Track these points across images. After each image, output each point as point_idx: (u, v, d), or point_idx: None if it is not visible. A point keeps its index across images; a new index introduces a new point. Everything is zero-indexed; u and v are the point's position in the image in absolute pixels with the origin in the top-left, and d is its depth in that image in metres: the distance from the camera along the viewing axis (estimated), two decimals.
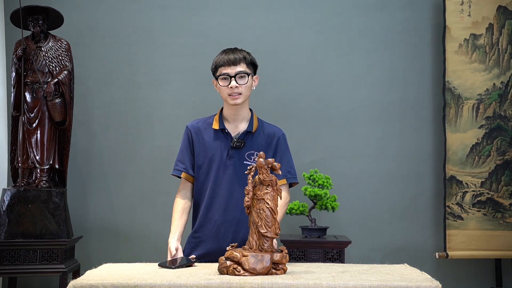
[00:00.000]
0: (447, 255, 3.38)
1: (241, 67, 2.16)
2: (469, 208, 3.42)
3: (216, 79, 2.19)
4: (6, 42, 3.54)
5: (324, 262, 2.91)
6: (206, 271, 1.76)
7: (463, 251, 3.39)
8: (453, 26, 3.50)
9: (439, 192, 3.56)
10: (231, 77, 2.15)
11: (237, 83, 2.15)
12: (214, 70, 2.21)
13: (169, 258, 2.07)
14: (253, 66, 2.23)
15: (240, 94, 2.16)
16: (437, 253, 3.41)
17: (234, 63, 2.15)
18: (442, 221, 3.47)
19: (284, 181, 2.21)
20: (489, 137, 3.46)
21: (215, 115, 2.29)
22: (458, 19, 3.51)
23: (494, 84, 3.48)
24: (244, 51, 2.22)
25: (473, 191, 3.43)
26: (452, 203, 3.43)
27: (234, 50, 2.20)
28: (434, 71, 3.65)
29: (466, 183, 3.44)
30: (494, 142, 3.45)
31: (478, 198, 3.43)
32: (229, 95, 2.16)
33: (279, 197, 1.77)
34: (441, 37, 3.58)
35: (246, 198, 1.75)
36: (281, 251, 1.76)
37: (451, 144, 3.46)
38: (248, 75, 2.18)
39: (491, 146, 3.45)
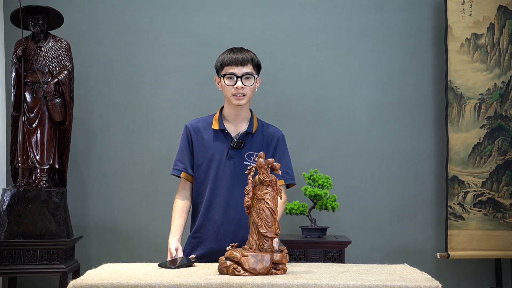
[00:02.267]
0: (448, 255, 3.37)
1: (248, 68, 2.14)
2: (470, 208, 3.41)
3: (221, 77, 2.17)
4: (6, 42, 3.53)
5: (324, 262, 2.90)
6: (206, 271, 1.76)
7: (464, 251, 3.38)
8: (455, 26, 3.49)
9: (439, 192, 3.55)
10: (237, 77, 2.13)
11: (243, 84, 2.13)
12: (220, 68, 2.18)
13: (169, 258, 2.07)
14: (258, 67, 2.21)
15: (245, 95, 2.15)
16: (438, 253, 3.40)
17: (242, 63, 2.13)
18: (442, 221, 3.47)
19: (282, 182, 2.20)
20: (490, 137, 3.45)
21: (214, 114, 2.28)
22: (459, 18, 3.50)
23: (495, 84, 3.47)
24: (251, 52, 2.20)
25: (474, 191, 3.43)
26: (454, 203, 3.42)
27: (242, 50, 2.18)
28: (435, 71, 3.64)
29: (467, 183, 3.43)
30: (495, 142, 3.45)
31: (479, 198, 3.42)
32: (234, 95, 2.14)
33: (279, 197, 1.77)
34: (441, 36, 3.57)
35: (246, 198, 1.75)
36: (281, 251, 1.75)
37: (453, 144, 3.45)
38: (254, 77, 2.17)
39: (492, 146, 3.45)
